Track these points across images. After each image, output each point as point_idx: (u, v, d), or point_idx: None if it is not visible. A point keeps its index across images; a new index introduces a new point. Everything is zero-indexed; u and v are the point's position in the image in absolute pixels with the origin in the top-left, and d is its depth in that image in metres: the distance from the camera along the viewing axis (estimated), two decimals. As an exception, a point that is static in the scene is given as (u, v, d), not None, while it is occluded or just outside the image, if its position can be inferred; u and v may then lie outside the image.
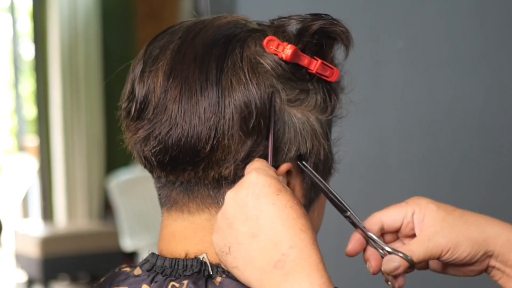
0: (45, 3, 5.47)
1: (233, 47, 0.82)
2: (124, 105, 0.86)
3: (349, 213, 0.86)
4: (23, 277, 5.18)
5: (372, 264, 0.86)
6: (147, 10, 5.56)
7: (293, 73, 0.83)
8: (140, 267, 0.87)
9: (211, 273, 0.82)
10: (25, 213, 6.06)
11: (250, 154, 0.81)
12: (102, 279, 0.90)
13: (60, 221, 5.53)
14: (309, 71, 0.83)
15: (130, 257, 4.80)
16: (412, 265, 0.84)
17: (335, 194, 0.86)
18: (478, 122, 1.80)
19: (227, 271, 0.83)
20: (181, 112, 0.80)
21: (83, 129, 5.50)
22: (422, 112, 1.82)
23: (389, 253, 0.85)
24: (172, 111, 0.81)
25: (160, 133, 0.81)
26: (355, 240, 0.86)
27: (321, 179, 0.85)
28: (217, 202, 0.83)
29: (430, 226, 0.85)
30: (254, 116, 0.80)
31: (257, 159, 0.81)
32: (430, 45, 1.80)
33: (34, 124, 5.99)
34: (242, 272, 0.76)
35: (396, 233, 0.88)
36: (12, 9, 6.04)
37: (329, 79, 0.85)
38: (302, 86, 0.83)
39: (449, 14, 1.80)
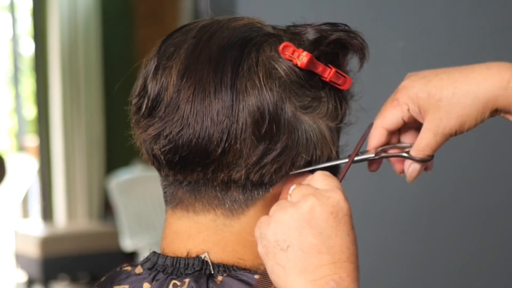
0: (45, 2, 5.47)
1: (249, 51, 0.82)
2: (134, 101, 0.86)
3: (359, 157, 0.85)
4: (23, 277, 5.18)
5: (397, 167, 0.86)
6: (147, 10, 5.56)
7: (306, 80, 0.83)
8: (141, 265, 0.87)
9: (212, 272, 0.83)
10: (25, 213, 6.06)
11: (262, 158, 0.81)
12: (103, 278, 0.90)
13: (60, 221, 5.52)
14: (322, 78, 0.84)
15: (130, 257, 4.79)
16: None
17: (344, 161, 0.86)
18: (478, 122, 1.79)
19: (227, 270, 0.83)
20: (193, 112, 0.80)
21: (83, 129, 5.50)
22: (422, 112, 1.82)
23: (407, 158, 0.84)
24: (184, 111, 0.81)
25: (171, 132, 0.81)
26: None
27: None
28: (224, 204, 0.84)
29: (430, 121, 0.83)
30: (267, 121, 0.80)
31: (330, 176, 0.80)
32: (430, 45, 1.80)
33: (34, 124, 5.99)
34: (286, 274, 0.76)
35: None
36: (12, 8, 6.04)
37: (341, 87, 0.85)
38: (315, 93, 0.84)
39: (449, 14, 1.81)
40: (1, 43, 6.43)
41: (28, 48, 6.16)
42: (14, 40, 6.11)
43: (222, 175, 0.82)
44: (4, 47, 6.44)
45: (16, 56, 6.14)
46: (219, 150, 0.80)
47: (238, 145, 0.80)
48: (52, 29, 5.44)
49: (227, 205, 0.83)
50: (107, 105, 5.50)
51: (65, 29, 5.42)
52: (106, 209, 5.54)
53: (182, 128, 0.81)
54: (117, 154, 5.53)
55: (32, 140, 6.14)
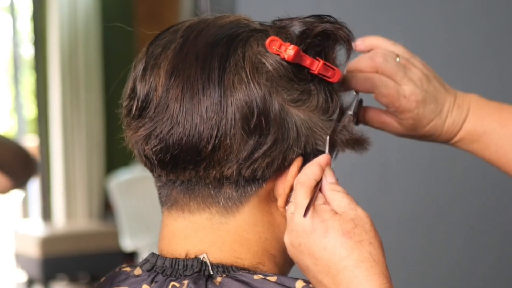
0: (45, 2, 5.47)
1: (236, 46, 0.82)
2: (125, 103, 0.86)
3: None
4: (23, 277, 5.18)
5: None
6: (147, 10, 5.57)
7: (295, 73, 0.83)
8: (140, 267, 0.87)
9: (211, 273, 0.83)
10: (25, 213, 6.06)
11: (252, 153, 0.81)
12: (102, 279, 0.90)
13: (60, 221, 5.53)
14: (311, 71, 0.83)
15: (130, 257, 4.80)
16: None
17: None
18: (478, 122, 1.79)
19: (226, 270, 0.83)
20: (182, 111, 0.80)
21: (83, 129, 5.50)
22: (422, 112, 1.82)
23: None
24: (173, 110, 0.81)
25: (161, 131, 0.81)
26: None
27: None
28: (218, 202, 0.84)
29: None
30: (256, 116, 0.80)
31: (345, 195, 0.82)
32: (430, 45, 1.80)
33: (34, 124, 5.99)
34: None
35: None
36: (12, 8, 6.04)
37: (330, 80, 0.85)
38: (304, 86, 0.84)
39: (449, 14, 1.81)
40: (1, 43, 6.43)
41: (28, 48, 6.16)
42: (14, 40, 6.11)
43: (214, 172, 0.82)
44: (4, 47, 6.44)
45: (16, 56, 6.13)
46: (210, 147, 0.80)
47: (228, 141, 0.80)
48: (52, 29, 5.44)
49: (221, 203, 0.83)
50: (107, 105, 5.50)
51: (65, 29, 5.42)
52: (106, 209, 5.54)
53: (172, 127, 0.81)
54: (117, 154, 5.53)
55: (32, 140, 6.14)
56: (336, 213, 0.80)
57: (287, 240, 0.81)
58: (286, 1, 1.58)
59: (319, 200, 0.81)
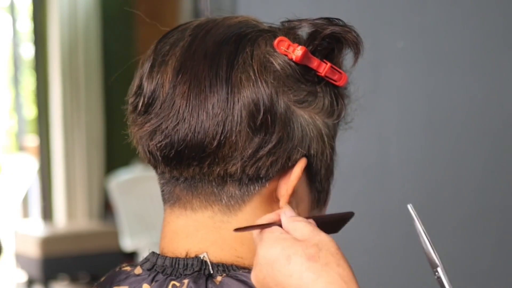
0: (45, 2, 5.47)
1: (244, 45, 0.82)
2: (131, 100, 0.86)
3: (439, 270, 0.84)
4: (23, 277, 5.18)
5: None
6: (147, 10, 5.57)
7: (302, 74, 0.83)
8: (141, 266, 0.87)
9: (212, 272, 0.83)
10: (25, 213, 6.06)
11: (257, 151, 0.81)
12: (102, 278, 0.90)
13: (60, 221, 5.53)
14: (317, 73, 0.84)
15: (130, 257, 4.80)
16: None
17: (431, 244, 0.84)
18: (478, 122, 1.80)
19: (227, 270, 0.83)
20: (189, 107, 0.81)
21: (83, 129, 5.50)
22: (422, 112, 1.82)
23: None
24: (180, 106, 0.81)
25: (166, 127, 0.82)
26: None
27: (423, 228, 0.83)
28: (220, 200, 0.84)
29: None
30: (262, 113, 0.80)
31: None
32: (430, 45, 1.81)
33: (34, 124, 5.99)
34: None
35: None
36: (12, 8, 6.04)
37: (337, 83, 0.85)
38: (310, 88, 0.84)
39: (449, 14, 1.81)
40: (1, 43, 6.43)
41: (28, 48, 6.16)
42: (14, 40, 6.11)
43: (218, 169, 0.82)
44: (4, 47, 6.44)
45: (16, 56, 6.14)
46: (215, 143, 0.80)
47: (233, 138, 0.80)
48: (52, 29, 5.44)
49: (223, 201, 0.83)
50: (107, 105, 5.50)
51: (65, 29, 5.43)
52: (106, 209, 5.54)
53: (178, 123, 0.81)
54: (117, 154, 5.53)
55: (32, 140, 6.14)
56: (298, 240, 0.76)
57: (252, 277, 0.77)
58: (286, 1, 1.58)
59: (278, 231, 0.78)
